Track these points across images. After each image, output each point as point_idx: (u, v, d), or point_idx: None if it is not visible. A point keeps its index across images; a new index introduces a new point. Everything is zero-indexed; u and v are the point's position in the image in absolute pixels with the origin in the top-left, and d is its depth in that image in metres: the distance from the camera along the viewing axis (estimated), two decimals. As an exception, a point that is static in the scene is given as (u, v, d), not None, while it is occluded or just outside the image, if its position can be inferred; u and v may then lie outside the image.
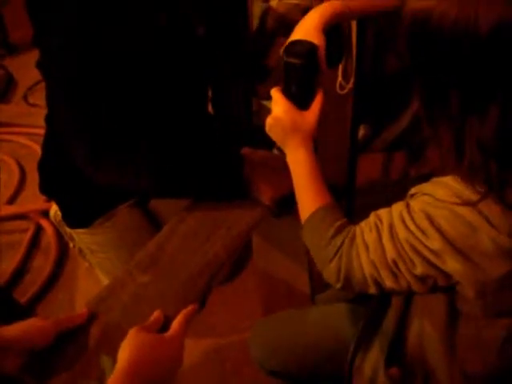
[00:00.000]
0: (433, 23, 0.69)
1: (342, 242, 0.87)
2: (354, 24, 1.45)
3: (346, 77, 1.68)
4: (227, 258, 1.08)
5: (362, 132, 1.89)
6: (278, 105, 0.94)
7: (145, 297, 1.00)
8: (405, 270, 0.80)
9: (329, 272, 0.89)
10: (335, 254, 0.87)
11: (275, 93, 0.96)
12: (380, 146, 1.94)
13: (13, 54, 3.62)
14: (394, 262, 0.81)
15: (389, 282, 0.83)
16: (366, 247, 0.84)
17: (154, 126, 1.16)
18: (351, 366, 1.04)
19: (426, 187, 0.79)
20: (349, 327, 1.13)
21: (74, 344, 0.90)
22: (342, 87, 1.68)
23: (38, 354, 0.86)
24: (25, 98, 3.20)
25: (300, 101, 0.96)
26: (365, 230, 0.85)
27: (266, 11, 1.99)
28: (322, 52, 0.96)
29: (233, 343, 1.78)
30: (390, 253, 0.81)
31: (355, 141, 1.65)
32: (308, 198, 0.93)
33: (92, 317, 0.95)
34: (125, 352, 0.79)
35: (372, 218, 0.86)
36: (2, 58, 3.59)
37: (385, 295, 1.00)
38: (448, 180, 0.76)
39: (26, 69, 3.43)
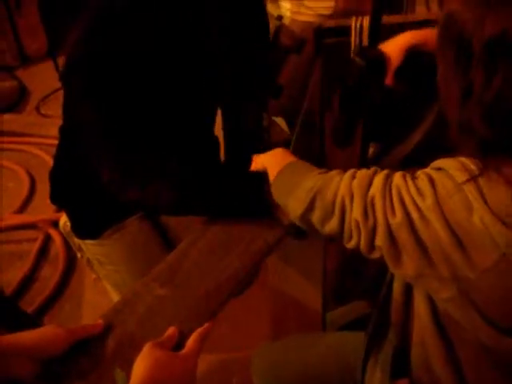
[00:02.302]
0: (451, 22, 0.74)
1: (327, 171, 0.86)
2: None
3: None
4: (245, 276, 1.07)
5: (371, 150, 1.90)
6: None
7: (161, 310, 1.00)
8: (380, 212, 0.76)
9: (299, 192, 0.87)
10: (315, 176, 0.86)
11: None
12: (390, 164, 1.94)
13: (26, 64, 3.67)
14: (373, 199, 0.78)
15: (356, 213, 0.78)
16: (353, 177, 0.82)
17: (175, 148, 1.17)
18: None
19: (436, 162, 0.79)
20: (356, 355, 1.10)
21: (89, 355, 0.90)
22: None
23: (52, 362, 0.86)
24: (37, 108, 3.24)
25: (347, 94, 1.03)
26: (361, 170, 0.84)
27: (279, 28, 2.01)
28: (391, 64, 1.02)
29: (239, 359, 1.77)
30: (375, 188, 0.78)
31: (365, 159, 1.65)
32: (282, 160, 0.99)
33: (108, 328, 0.95)
34: (139, 368, 0.79)
35: (373, 167, 0.84)
36: (16, 68, 3.63)
37: (384, 317, 0.99)
38: (459, 157, 0.76)
39: (39, 79, 3.48)
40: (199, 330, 0.90)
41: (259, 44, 1.35)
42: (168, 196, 1.16)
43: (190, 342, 0.87)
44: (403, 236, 0.75)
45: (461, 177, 0.72)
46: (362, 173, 0.82)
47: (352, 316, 1.28)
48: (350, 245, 0.83)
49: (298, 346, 1.22)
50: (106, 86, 1.06)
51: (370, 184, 0.79)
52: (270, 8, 2.09)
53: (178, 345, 0.89)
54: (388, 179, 0.78)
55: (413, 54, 1.05)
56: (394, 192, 0.76)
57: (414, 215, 0.73)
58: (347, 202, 0.80)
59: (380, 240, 0.77)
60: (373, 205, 0.77)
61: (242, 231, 1.16)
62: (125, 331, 0.95)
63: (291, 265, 1.42)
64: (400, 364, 0.97)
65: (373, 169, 0.83)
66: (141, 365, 0.79)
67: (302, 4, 2.04)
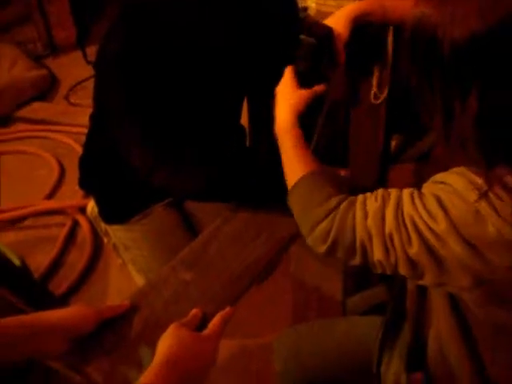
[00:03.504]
0: (419, 25, 0.74)
1: (338, 204, 0.85)
2: (390, 33, 1.47)
3: (380, 87, 1.69)
4: (267, 263, 1.10)
5: (394, 142, 1.90)
6: (284, 77, 1.03)
7: (185, 294, 1.03)
8: (399, 246, 0.78)
9: (317, 233, 0.87)
10: (327, 214, 0.85)
11: (288, 67, 1.04)
12: (413, 156, 1.94)
13: (55, 53, 3.72)
14: (391, 235, 0.79)
15: (378, 254, 0.81)
16: (366, 214, 0.82)
17: (204, 135, 1.20)
18: (378, 375, 1.05)
19: (439, 176, 0.80)
20: (371, 338, 1.11)
21: (116, 334, 0.95)
22: (376, 97, 1.70)
23: (80, 339, 0.90)
24: (66, 97, 3.28)
25: (302, 80, 1.02)
26: (369, 198, 0.84)
27: (304, 19, 2.02)
28: (340, 39, 1.01)
29: (260, 345, 1.79)
30: (390, 224, 0.79)
31: (388, 151, 1.66)
32: (298, 161, 0.94)
33: (134, 309, 0.99)
34: (163, 346, 0.82)
35: (380, 190, 0.85)
36: (46, 57, 3.68)
37: (400, 307, 1.01)
38: (462, 169, 0.76)
39: (68, 69, 3.53)
40: (221, 312, 0.93)
41: (285, 35, 1.37)
42: (196, 181, 1.19)
43: (213, 323, 0.91)
44: (423, 261, 0.77)
45: (472, 195, 0.73)
46: (373, 207, 0.82)
47: (372, 302, 1.29)
48: (376, 272, 0.85)
49: (318, 330, 1.24)
50: (139, 73, 1.10)
51: (383, 220, 0.80)
52: (296, -1, 2.10)
53: (201, 326, 0.92)
54: (398, 209, 0.79)
55: (358, 27, 1.05)
56: (407, 222, 0.78)
57: (431, 239, 0.75)
58: (367, 243, 0.82)
59: (402, 269, 0.80)
60: (391, 240, 0.79)
61: (265, 219, 1.19)
62: (151, 312, 0.99)
63: (312, 252, 1.43)
64: (416, 357, 0.99)
65: (380, 197, 0.83)
66: (165, 343, 0.83)
67: (327, -5, 2.04)
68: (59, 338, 0.88)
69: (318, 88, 1.02)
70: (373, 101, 1.70)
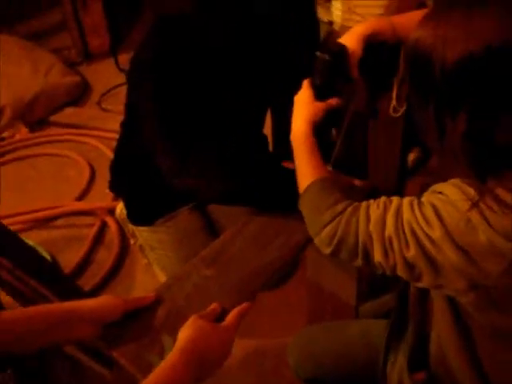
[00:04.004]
0: (416, 48, 0.79)
1: (344, 209, 0.92)
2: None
3: (399, 100, 1.74)
4: (281, 266, 1.18)
5: (413, 155, 1.94)
6: (302, 89, 1.09)
7: (206, 289, 1.11)
8: (397, 249, 0.84)
9: (323, 236, 0.93)
10: (333, 218, 0.92)
11: (305, 80, 1.10)
12: (430, 170, 1.98)
13: (89, 60, 3.83)
14: (390, 239, 0.85)
15: (378, 256, 0.87)
16: (368, 219, 0.88)
17: (228, 142, 1.28)
18: (384, 374, 1.11)
19: (437, 186, 0.85)
20: (380, 340, 1.17)
21: (143, 323, 1.03)
22: (395, 110, 1.75)
23: (110, 326, 0.98)
24: (98, 103, 3.38)
25: (318, 93, 1.08)
26: (372, 205, 0.90)
27: (330, 33, 2.08)
28: (353, 57, 1.07)
29: (273, 344, 1.84)
30: (389, 229, 0.85)
31: (405, 164, 1.71)
32: (311, 168, 1.01)
33: (158, 301, 1.07)
34: (184, 333, 0.90)
35: (383, 198, 0.91)
36: (79, 64, 3.80)
37: (404, 309, 1.06)
38: (457, 181, 0.82)
39: (101, 76, 3.64)
40: (238, 307, 1.00)
41: (307, 44, 1.44)
42: (220, 186, 1.26)
43: (230, 317, 0.98)
44: (420, 264, 0.83)
45: (464, 205, 0.78)
46: (375, 214, 0.88)
47: (383, 309, 1.34)
48: (378, 272, 0.92)
49: (331, 330, 1.30)
50: (171, 80, 1.18)
51: (384, 225, 0.86)
52: (321, 13, 2.15)
53: (219, 319, 0.99)
54: (398, 216, 0.85)
55: (372, 45, 1.09)
56: (406, 228, 0.83)
57: (427, 245, 0.81)
58: (368, 246, 0.88)
59: (400, 271, 0.86)
60: (391, 244, 0.85)
61: (284, 223, 1.26)
62: (173, 305, 1.07)
63: (329, 260, 1.49)
64: (418, 357, 1.04)
65: (382, 204, 0.89)
66: (185, 331, 0.90)
67: (353, 11, 2.10)
68: (88, 326, 0.95)
69: (333, 101, 1.08)
70: (392, 114, 1.75)
